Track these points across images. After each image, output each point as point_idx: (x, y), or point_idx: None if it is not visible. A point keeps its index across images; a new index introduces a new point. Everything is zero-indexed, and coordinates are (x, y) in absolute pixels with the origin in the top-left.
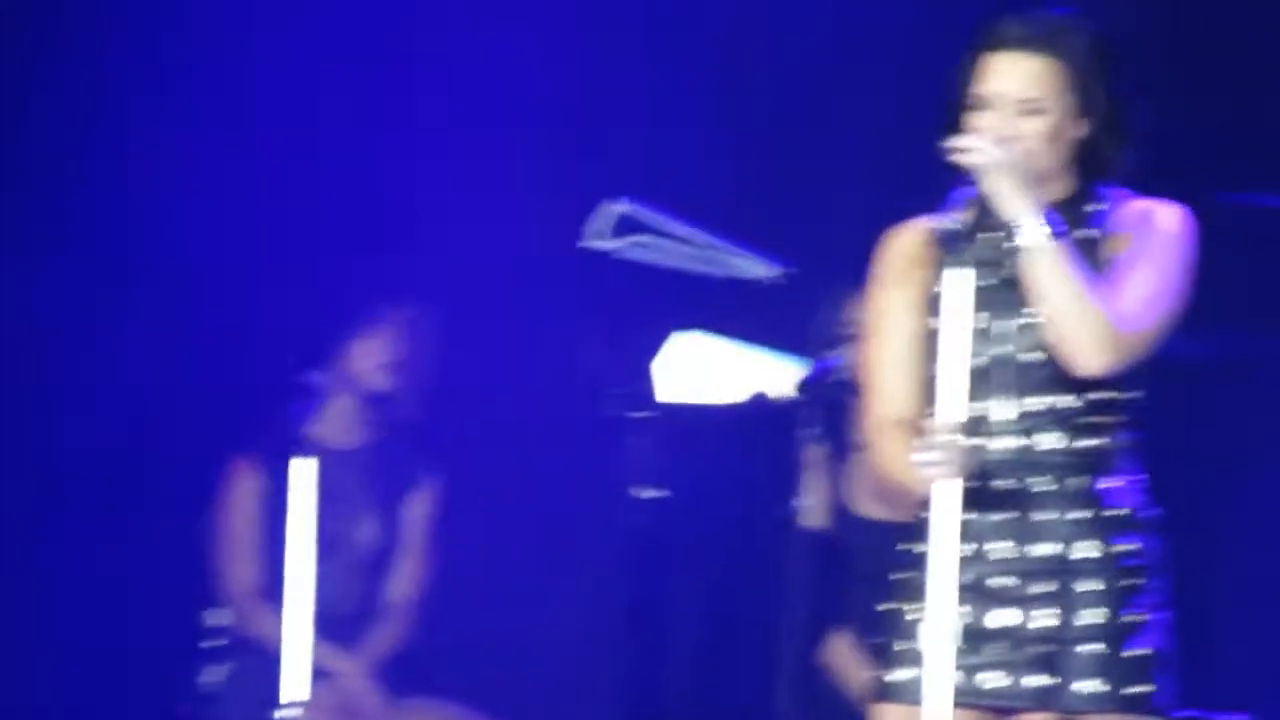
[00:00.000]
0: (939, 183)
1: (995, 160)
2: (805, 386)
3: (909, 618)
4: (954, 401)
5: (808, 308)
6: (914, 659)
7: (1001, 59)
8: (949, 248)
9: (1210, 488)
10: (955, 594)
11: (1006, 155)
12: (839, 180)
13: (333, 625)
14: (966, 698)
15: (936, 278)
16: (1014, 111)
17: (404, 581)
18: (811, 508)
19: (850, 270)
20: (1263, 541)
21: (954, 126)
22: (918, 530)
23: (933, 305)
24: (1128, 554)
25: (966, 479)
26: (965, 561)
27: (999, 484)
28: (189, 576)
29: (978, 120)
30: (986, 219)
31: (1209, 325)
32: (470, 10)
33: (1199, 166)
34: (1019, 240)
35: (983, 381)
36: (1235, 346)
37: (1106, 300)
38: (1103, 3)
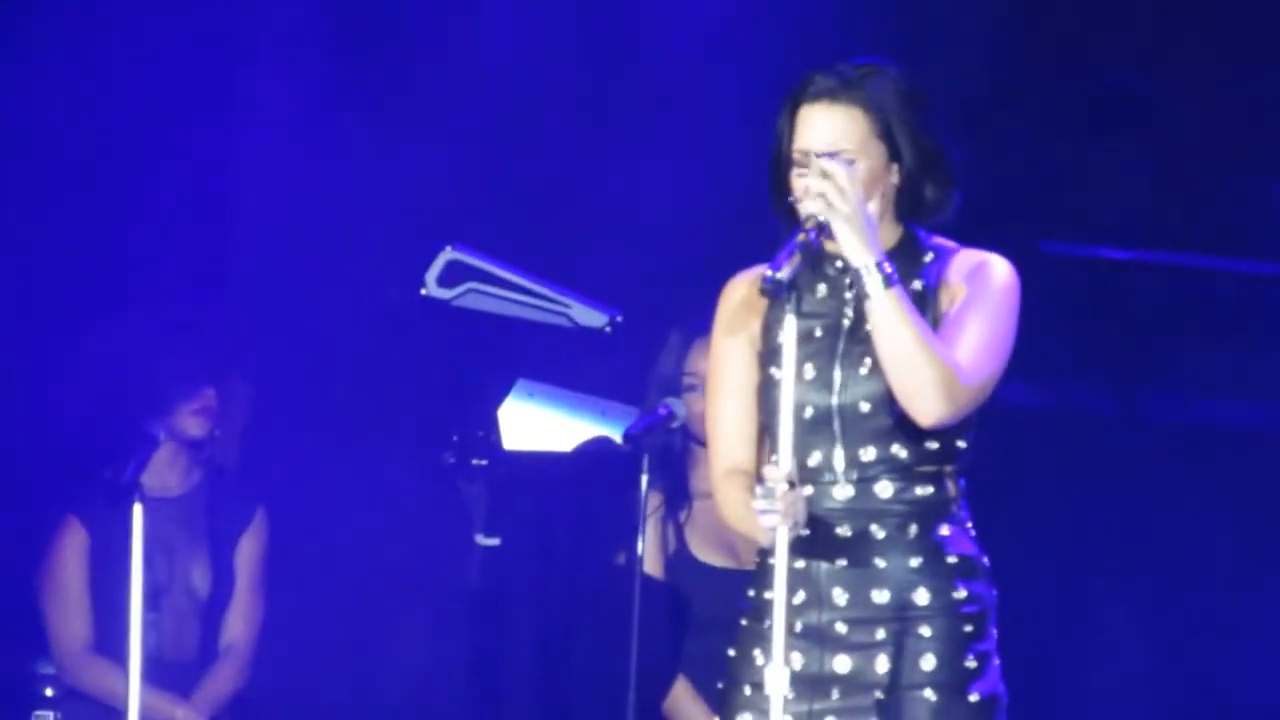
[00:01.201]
0: (779, 232)
1: (836, 210)
2: (629, 436)
3: (751, 663)
4: (786, 450)
5: (645, 356)
6: (757, 703)
7: (809, 114)
8: (773, 297)
9: (1031, 535)
10: (783, 640)
11: (849, 203)
12: (682, 229)
13: (171, 672)
14: None
15: (771, 326)
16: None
17: (239, 624)
18: (650, 554)
19: (687, 319)
20: (1080, 586)
21: (780, 183)
22: (761, 577)
23: (771, 355)
24: (966, 600)
25: (805, 527)
26: (808, 608)
27: (840, 531)
28: (19, 626)
29: (798, 176)
30: (820, 268)
31: (1035, 374)
32: (287, 68)
33: (1023, 215)
34: (863, 287)
35: (821, 430)
36: (1056, 395)
37: (946, 351)
38: (927, 53)
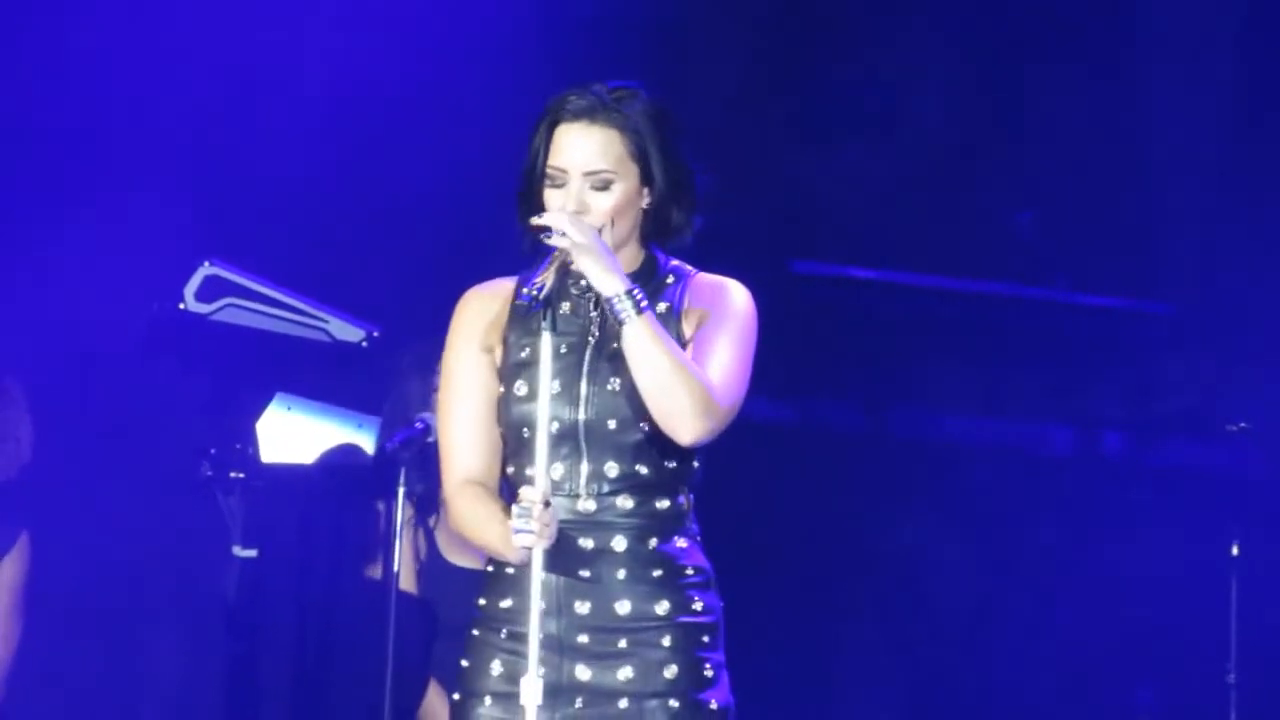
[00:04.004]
0: (530, 248)
1: (576, 242)
2: (383, 449)
3: (488, 674)
4: (541, 470)
5: (398, 370)
6: (497, 715)
7: (567, 132)
8: (530, 313)
9: (776, 548)
10: (537, 653)
11: (586, 236)
12: (434, 245)
13: None
14: None
15: (513, 341)
16: (584, 185)
17: None
18: (404, 565)
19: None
20: (823, 598)
21: (531, 200)
22: (493, 585)
23: (514, 371)
24: (703, 611)
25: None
26: (546, 617)
27: (581, 543)
28: None
29: (551, 195)
30: (564, 286)
31: (782, 390)
32: (63, 77)
33: (772, 235)
34: (616, 315)
35: (566, 444)
36: (802, 410)
37: (700, 372)
38: (670, 74)
